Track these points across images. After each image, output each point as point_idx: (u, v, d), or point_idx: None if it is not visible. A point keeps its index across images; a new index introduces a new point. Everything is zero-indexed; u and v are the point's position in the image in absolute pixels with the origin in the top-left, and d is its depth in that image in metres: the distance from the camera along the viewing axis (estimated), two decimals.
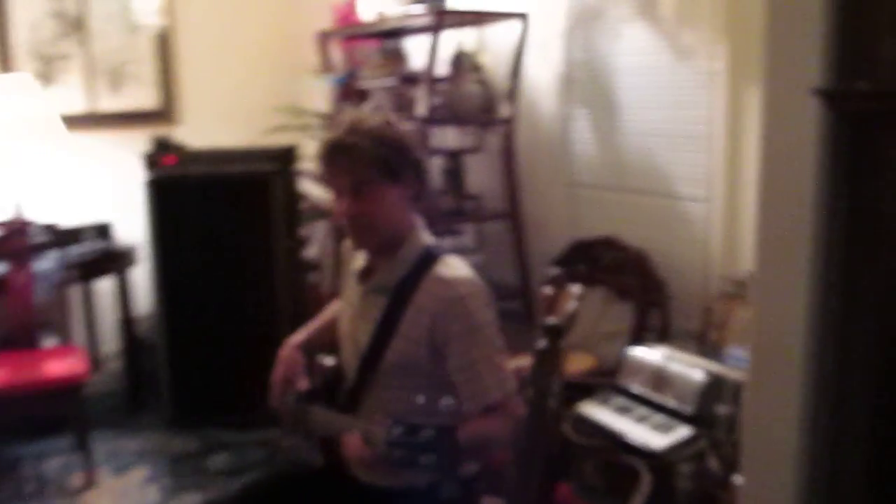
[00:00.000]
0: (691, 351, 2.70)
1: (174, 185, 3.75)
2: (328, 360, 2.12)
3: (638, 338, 3.03)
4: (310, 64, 4.37)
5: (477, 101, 3.56)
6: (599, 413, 2.52)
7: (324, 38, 4.04)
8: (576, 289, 2.12)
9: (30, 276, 3.62)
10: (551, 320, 1.85)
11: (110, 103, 4.64)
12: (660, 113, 3.12)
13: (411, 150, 1.87)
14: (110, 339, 4.50)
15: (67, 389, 3.34)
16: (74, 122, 4.46)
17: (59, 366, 3.44)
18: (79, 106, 4.55)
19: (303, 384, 2.04)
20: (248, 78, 4.87)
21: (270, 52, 4.87)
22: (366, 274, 1.98)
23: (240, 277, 3.77)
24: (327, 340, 2.15)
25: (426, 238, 1.94)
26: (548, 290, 2.21)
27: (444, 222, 3.69)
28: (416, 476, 1.77)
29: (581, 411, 2.55)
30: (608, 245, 3.22)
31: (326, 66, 4.12)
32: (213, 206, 3.73)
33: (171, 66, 4.76)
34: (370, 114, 1.90)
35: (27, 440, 3.80)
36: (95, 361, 4.67)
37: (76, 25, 4.51)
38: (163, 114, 4.76)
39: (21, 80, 4.30)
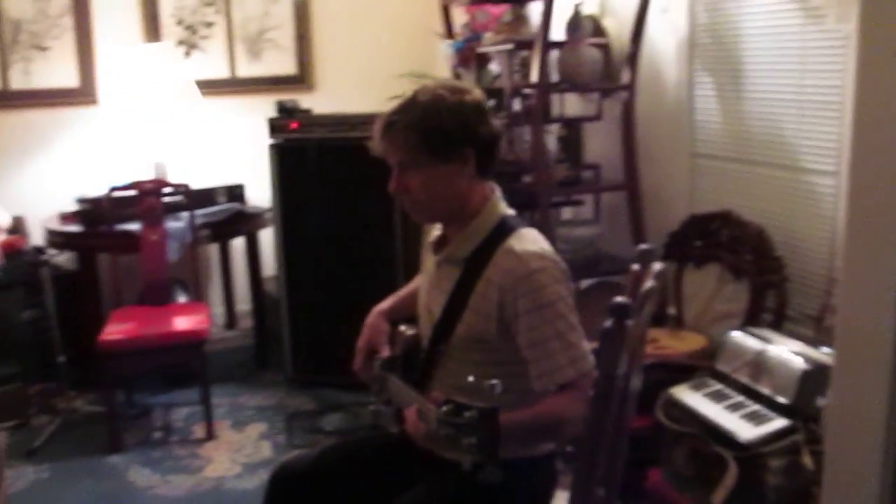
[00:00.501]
0: (806, 337, 2.51)
1: (295, 150, 3.84)
2: (409, 330, 2.11)
3: (752, 320, 2.85)
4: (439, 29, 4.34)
5: (596, 67, 3.43)
6: (692, 398, 2.38)
7: (447, 2, 3.99)
8: (657, 266, 2.01)
9: (163, 235, 3.81)
10: (618, 299, 1.75)
11: (249, 70, 4.80)
12: (788, 79, 2.89)
13: (470, 124, 1.79)
14: (245, 298, 4.70)
15: (191, 344, 3.51)
16: (215, 87, 4.67)
17: (186, 322, 3.62)
18: (219, 72, 4.73)
19: (385, 352, 2.05)
20: (383, 44, 4.90)
21: (404, 18, 4.88)
22: (440, 244, 1.96)
23: (359, 241, 3.83)
24: (412, 309, 2.14)
25: (502, 209, 1.88)
26: (634, 267, 2.11)
27: (560, 192, 3.60)
28: (462, 455, 1.74)
29: (673, 395, 2.43)
30: (726, 220, 3.03)
31: (449, 32, 4.08)
32: (333, 171, 3.79)
33: (307, 33, 4.86)
34: (434, 85, 1.83)
35: (160, 390, 4.03)
36: (231, 319, 4.91)
37: None
38: (299, 80, 4.88)
39: (164, 48, 4.53)
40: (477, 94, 1.84)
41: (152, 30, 4.59)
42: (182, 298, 4.15)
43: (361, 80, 4.80)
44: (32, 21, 4.39)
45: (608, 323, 1.79)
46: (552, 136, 3.62)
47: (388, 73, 4.44)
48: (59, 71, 4.47)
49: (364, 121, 3.81)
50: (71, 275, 4.11)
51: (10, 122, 4.42)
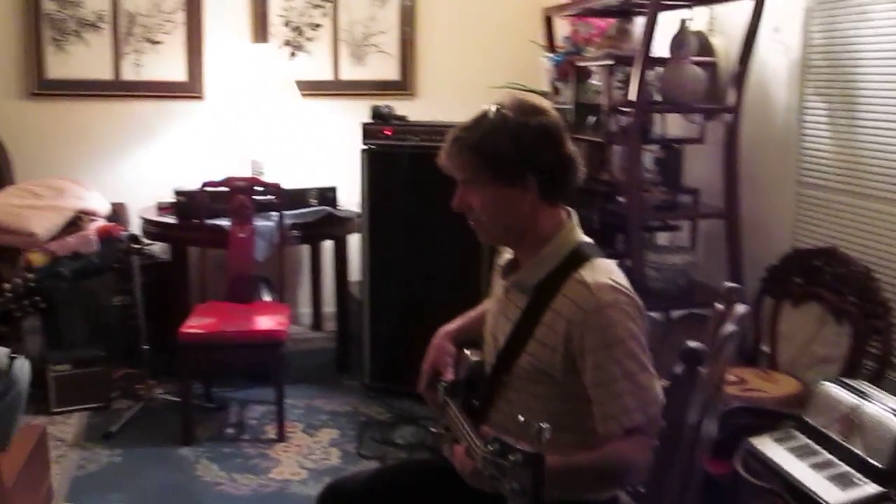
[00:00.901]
0: None
1: (387, 156, 3.80)
2: (474, 355, 2.02)
3: (852, 367, 2.64)
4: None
5: (700, 87, 3.26)
6: (775, 452, 2.20)
7: (550, 14, 3.88)
8: (740, 308, 1.86)
9: (251, 233, 3.83)
10: (691, 344, 1.62)
11: (352, 73, 4.80)
12: None
13: (531, 149, 1.69)
14: (332, 301, 4.69)
15: (269, 344, 3.51)
16: (316, 89, 4.69)
17: (266, 321, 3.62)
18: (322, 74, 4.75)
19: (448, 375, 1.97)
20: (486, 54, 4.83)
21: (509, 28, 4.79)
22: (510, 268, 1.87)
23: (445, 253, 3.75)
24: (480, 332, 2.06)
25: (577, 237, 1.78)
26: (718, 306, 1.96)
27: (655, 216, 3.44)
28: (506, 498, 1.63)
29: (756, 446, 2.25)
30: (830, 257, 2.82)
31: (551, 44, 3.97)
32: (424, 179, 3.71)
33: (412, 39, 4.83)
34: (506, 102, 1.74)
35: (240, 385, 4.05)
36: (317, 321, 4.92)
37: None
38: (400, 86, 4.85)
39: (270, 48, 4.58)
40: (547, 116, 1.74)
41: (261, 30, 4.65)
42: (267, 297, 4.17)
43: (462, 90, 4.73)
44: (146, 15, 4.51)
45: (678, 369, 1.66)
46: (650, 158, 3.46)
47: (490, 84, 4.36)
48: (168, 64, 4.57)
49: None
50: (162, 265, 4.19)
51: (119, 111, 4.55)
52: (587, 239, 1.79)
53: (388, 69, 4.84)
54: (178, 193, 4.02)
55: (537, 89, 4.06)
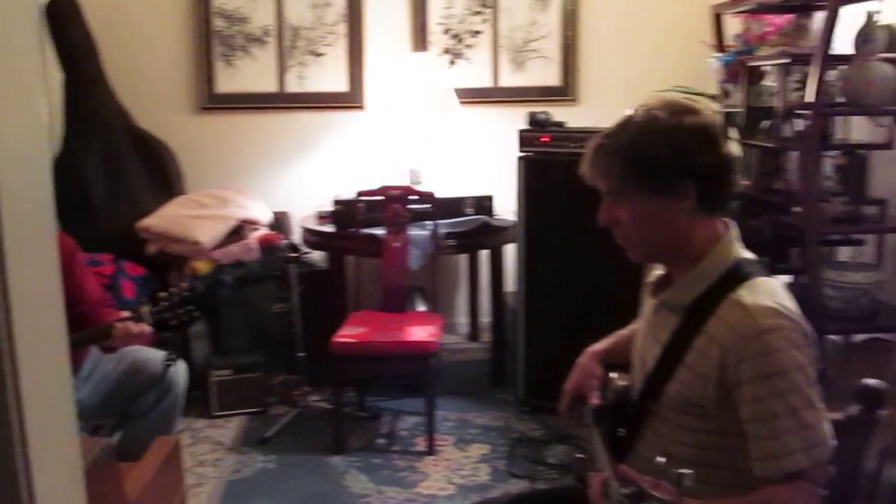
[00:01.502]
0: None
1: (544, 164, 3.68)
2: (621, 379, 1.88)
3: None
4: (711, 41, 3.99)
5: (889, 86, 2.94)
6: None
7: (719, 11, 3.64)
8: None
9: (405, 243, 3.80)
10: (867, 382, 1.41)
11: (512, 79, 4.71)
12: None
13: (688, 151, 1.52)
14: (489, 312, 4.61)
15: (419, 356, 3.46)
16: (476, 96, 4.63)
17: (417, 332, 3.57)
18: (482, 81, 4.68)
19: (594, 399, 1.83)
20: (652, 56, 4.61)
21: (676, 29, 4.55)
22: (661, 285, 1.71)
23: (603, 266, 3.57)
24: (629, 354, 1.91)
25: (736, 252, 1.59)
26: None
27: (835, 229, 3.14)
28: None
29: None
30: None
31: (720, 44, 3.72)
32: (582, 188, 3.56)
33: (574, 43, 4.68)
34: (655, 103, 1.57)
35: (395, 395, 4.03)
36: (474, 331, 4.85)
37: (487, 2, 4.62)
38: (562, 92, 4.71)
39: (430, 57, 4.56)
40: (705, 115, 1.56)
41: (420, 39, 4.64)
42: (421, 307, 4.13)
43: (626, 94, 4.47)
44: (310, 28, 4.59)
45: (853, 410, 1.45)
46: (830, 165, 3.17)
47: (655, 88, 4.14)
48: (330, 76, 4.64)
49: None
50: (321, 273, 4.24)
51: (283, 122, 4.66)
52: (748, 254, 1.61)
53: (549, 75, 4.71)
54: (336, 202, 4.05)
55: (705, 92, 3.82)
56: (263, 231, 4.16)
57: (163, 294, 2.87)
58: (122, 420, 3.09)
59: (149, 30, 4.55)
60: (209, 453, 3.53)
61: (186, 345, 4.11)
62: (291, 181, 4.67)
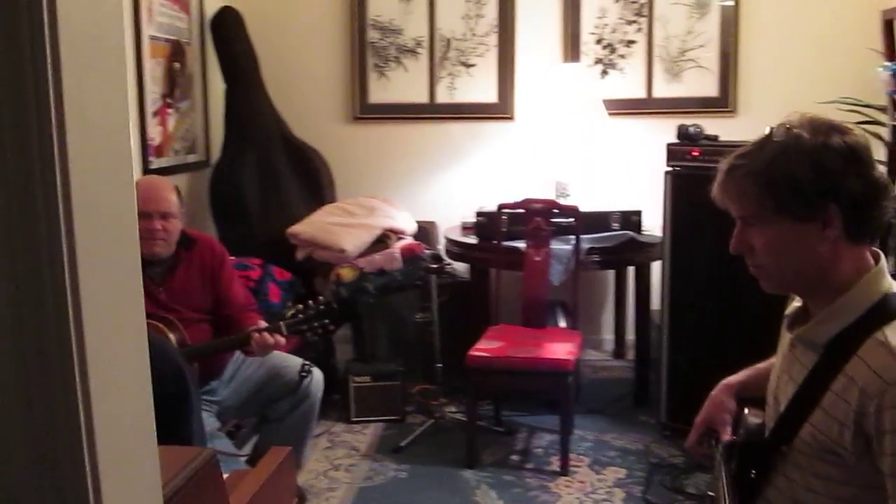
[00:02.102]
0: None
1: (693, 179, 3.51)
2: (755, 416, 1.76)
3: None
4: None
5: None
6: None
7: (891, 17, 3.36)
8: None
9: (547, 257, 3.74)
10: None
11: (666, 90, 4.55)
12: None
13: (834, 174, 1.40)
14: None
15: (554, 373, 3.38)
16: (628, 108, 4.51)
17: (554, 349, 3.50)
18: (635, 92, 4.56)
19: (725, 435, 1.73)
20: (816, 65, 4.34)
21: (842, 36, 4.26)
22: (798, 319, 1.58)
23: (751, 288, 3.38)
24: (765, 389, 1.78)
25: (885, 286, 1.45)
26: None
27: None
28: None
29: None
30: None
31: (891, 51, 3.44)
32: None
33: (733, 52, 4.47)
34: (798, 121, 1.46)
35: (534, 410, 3.96)
36: (619, 349, 4.72)
37: (642, 11, 4.49)
38: (719, 103, 4.51)
39: (581, 67, 4.48)
40: (853, 136, 1.43)
41: (572, 49, 4.57)
42: (562, 323, 4.05)
43: (789, 106, 4.14)
44: (461, 39, 4.61)
45: None
46: None
47: (819, 99, 3.90)
48: (480, 87, 4.65)
49: None
50: (463, 284, 4.23)
51: (432, 132, 4.70)
52: None
53: (705, 85, 4.52)
54: (479, 214, 4.04)
55: (873, 104, 3.56)
56: (407, 241, 4.19)
57: (300, 307, 2.94)
58: (261, 423, 3.19)
59: (306, 41, 4.70)
60: (344, 458, 3.59)
61: (330, 349, 4.20)
62: (438, 191, 4.70)
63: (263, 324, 2.93)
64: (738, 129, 4.07)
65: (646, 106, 4.55)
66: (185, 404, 2.20)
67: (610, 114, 4.30)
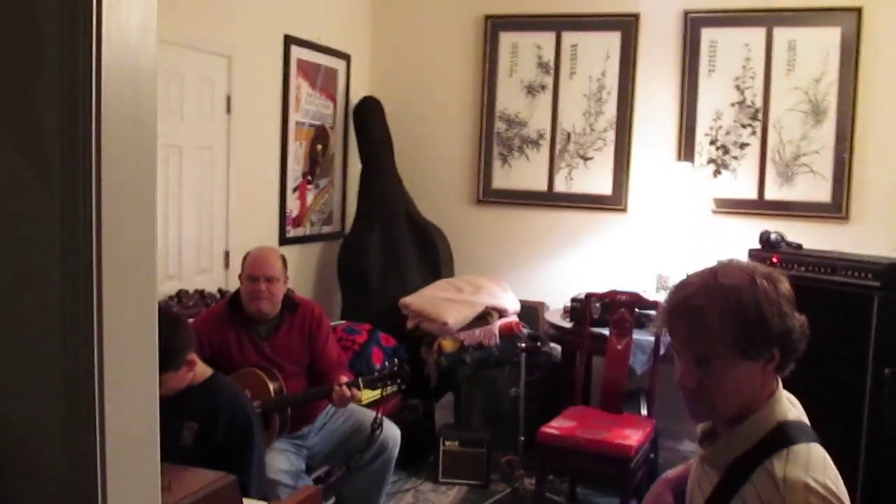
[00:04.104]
0: None
1: None
2: None
3: None
4: None
5: None
6: None
7: None
8: None
9: (628, 346, 3.94)
10: None
11: (777, 193, 4.65)
12: None
13: (786, 318, 1.52)
14: None
15: (615, 458, 3.55)
16: (737, 208, 4.65)
17: (620, 434, 3.67)
18: (745, 193, 4.68)
19: None
20: None
21: None
22: (707, 437, 1.68)
23: (827, 393, 3.45)
24: None
25: (780, 414, 1.56)
26: None
27: None
28: None
29: None
30: None
31: None
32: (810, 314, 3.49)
33: (849, 159, 4.52)
34: (740, 266, 1.58)
35: (608, 491, 4.12)
36: None
37: (757, 116, 4.64)
38: (832, 208, 4.55)
39: (694, 167, 4.67)
40: (786, 282, 1.58)
41: (686, 148, 4.77)
42: (644, 411, 4.20)
43: None
44: (581, 134, 4.93)
45: None
46: None
47: None
48: (596, 179, 4.93)
49: (848, 265, 3.47)
50: (556, 365, 4.48)
51: (548, 219, 5.02)
52: (796, 416, 1.57)
53: (818, 190, 4.58)
54: (573, 300, 4.29)
55: None
56: (508, 319, 4.50)
57: (377, 366, 3.34)
58: (346, 471, 3.58)
59: (438, 129, 5.18)
60: None
61: (430, 413, 4.56)
62: (551, 274, 4.99)
63: (345, 379, 3.33)
64: (850, 235, 4.16)
65: (756, 207, 4.66)
66: (249, 444, 2.61)
67: (720, 212, 4.47)
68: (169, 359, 2.56)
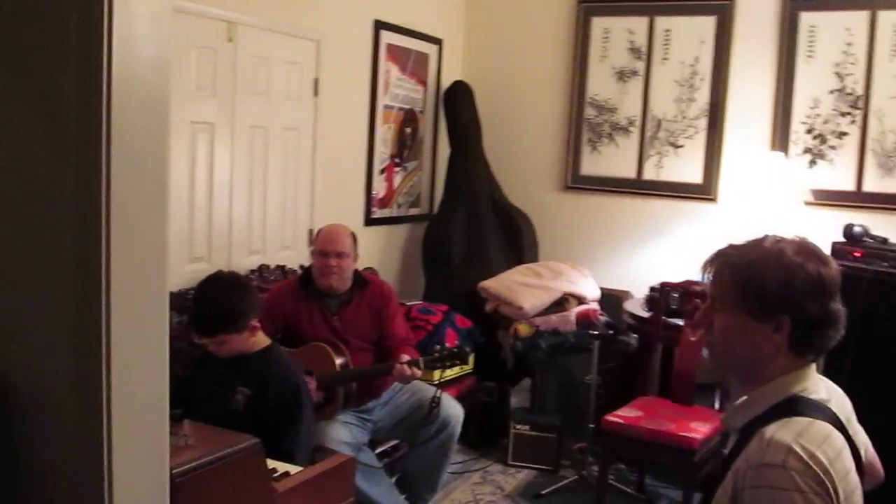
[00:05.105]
0: None
1: (851, 280, 3.48)
2: None
3: None
4: None
5: None
6: None
7: None
8: None
9: (702, 338, 3.86)
10: None
11: (878, 184, 4.44)
12: None
13: (795, 294, 1.55)
14: None
15: (677, 449, 3.50)
16: (832, 199, 4.48)
17: (687, 426, 3.61)
18: (841, 184, 4.49)
19: None
20: None
21: None
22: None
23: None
24: None
25: (796, 388, 1.57)
26: None
27: None
28: None
29: None
30: None
31: None
32: (877, 311, 3.35)
33: None
34: (789, 239, 1.63)
35: (677, 484, 4.06)
36: None
37: (857, 104, 4.44)
38: None
39: (789, 156, 4.53)
40: (829, 268, 1.58)
41: (780, 137, 4.61)
42: (717, 405, 4.11)
43: None
44: (672, 121, 4.84)
45: None
46: None
47: None
48: (686, 167, 4.84)
49: None
50: (632, 354, 4.44)
51: (636, 207, 4.96)
52: (817, 395, 1.57)
53: None
54: (651, 289, 4.24)
55: None
56: (586, 307, 4.48)
57: (438, 347, 3.42)
58: (409, 446, 3.68)
59: (527, 114, 5.19)
60: (488, 495, 3.96)
61: (506, 396, 4.60)
62: (634, 263, 4.93)
63: (407, 357, 3.42)
64: None
65: (853, 199, 4.47)
66: (297, 413, 2.74)
67: (814, 204, 4.33)
68: (231, 321, 2.72)
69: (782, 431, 1.48)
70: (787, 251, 1.57)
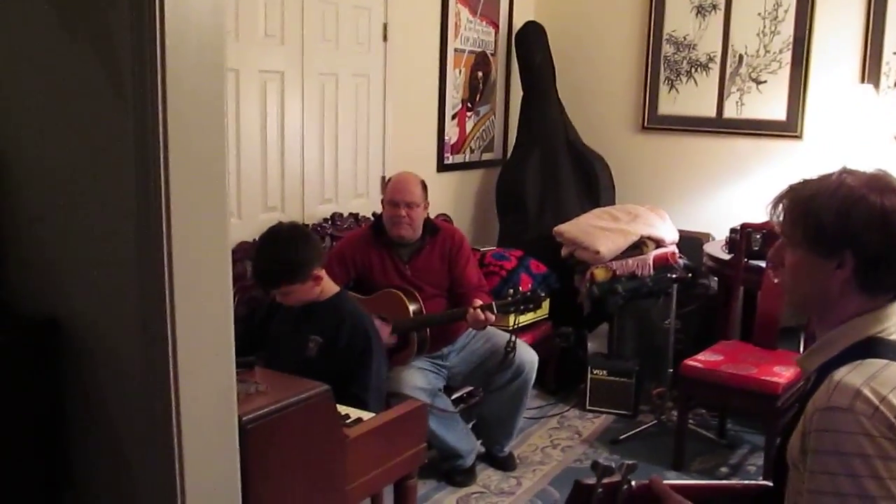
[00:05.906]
0: None
1: None
2: None
3: None
4: None
5: None
6: None
7: None
8: None
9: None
10: None
11: None
12: None
13: (856, 228, 1.48)
14: None
15: (761, 395, 3.42)
16: None
17: (768, 370, 3.51)
18: None
19: None
20: None
21: None
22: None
23: None
24: None
25: (872, 331, 1.52)
26: None
27: None
28: None
29: None
30: None
31: None
32: None
33: None
34: (860, 172, 1.54)
35: (758, 429, 3.98)
36: None
37: None
38: None
39: (878, 90, 4.31)
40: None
41: (872, 70, 4.38)
42: (801, 348, 3.99)
43: None
44: (754, 56, 4.64)
45: None
46: None
47: None
48: (770, 104, 4.64)
49: None
50: (712, 297, 4.33)
51: (717, 146, 4.80)
52: (891, 337, 1.51)
53: None
54: (732, 230, 4.11)
55: None
56: (664, 250, 4.38)
57: (511, 291, 3.39)
58: (485, 392, 3.68)
59: (602, 53, 5.04)
60: (565, 440, 3.94)
61: (583, 342, 4.56)
62: (719, 205, 4.79)
63: (480, 302, 3.40)
64: None
65: None
66: (368, 360, 2.76)
67: None
68: (294, 271, 2.74)
69: (853, 374, 1.42)
70: (850, 182, 1.49)
